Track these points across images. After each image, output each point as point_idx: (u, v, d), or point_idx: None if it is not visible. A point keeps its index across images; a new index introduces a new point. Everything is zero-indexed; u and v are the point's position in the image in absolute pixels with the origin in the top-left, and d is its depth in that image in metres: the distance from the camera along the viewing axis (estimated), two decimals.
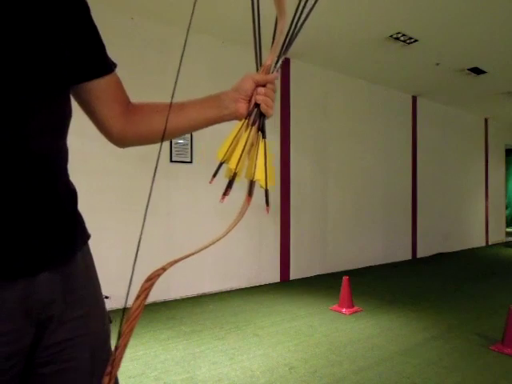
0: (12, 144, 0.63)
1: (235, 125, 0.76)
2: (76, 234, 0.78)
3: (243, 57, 4.68)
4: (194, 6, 0.77)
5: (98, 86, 0.78)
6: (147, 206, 0.71)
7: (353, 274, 5.26)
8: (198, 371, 2.48)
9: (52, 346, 0.72)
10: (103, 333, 0.83)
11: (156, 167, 0.71)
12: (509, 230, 10.94)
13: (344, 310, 3.75)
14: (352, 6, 3.88)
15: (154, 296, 4.00)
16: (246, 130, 0.76)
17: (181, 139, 4.30)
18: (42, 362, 0.72)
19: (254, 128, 0.76)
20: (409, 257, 7.14)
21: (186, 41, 0.80)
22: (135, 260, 0.62)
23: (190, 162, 4.37)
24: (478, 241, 8.99)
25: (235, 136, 0.74)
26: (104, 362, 0.82)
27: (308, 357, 2.73)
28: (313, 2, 0.76)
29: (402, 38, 4.66)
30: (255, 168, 0.73)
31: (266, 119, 0.78)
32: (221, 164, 0.73)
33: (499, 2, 3.81)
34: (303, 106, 5.42)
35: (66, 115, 0.75)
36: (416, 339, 3.09)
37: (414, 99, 7.28)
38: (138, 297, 0.61)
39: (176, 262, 0.64)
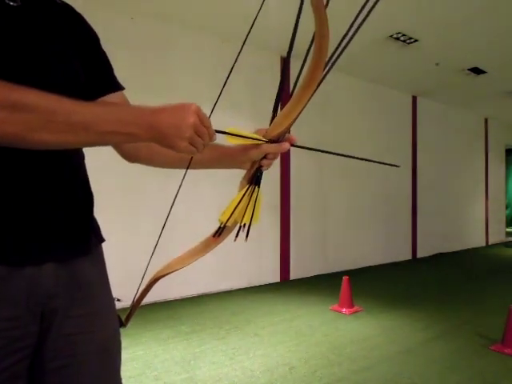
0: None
1: (238, 193, 0.82)
2: (88, 234, 0.83)
3: (243, 56, 4.68)
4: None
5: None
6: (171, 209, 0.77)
7: (353, 273, 5.26)
8: (197, 371, 2.48)
9: (58, 340, 0.74)
10: (112, 334, 0.84)
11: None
12: (509, 229, 10.94)
13: (344, 310, 3.75)
14: (352, 6, 3.88)
15: (154, 296, 4.00)
16: (244, 186, 0.82)
17: None
18: (49, 357, 0.73)
19: (252, 185, 0.82)
20: (409, 257, 7.14)
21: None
22: (149, 260, 0.65)
23: None
24: (478, 241, 8.99)
25: (238, 203, 0.80)
26: (112, 363, 0.83)
27: (308, 357, 2.73)
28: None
29: (402, 38, 4.66)
30: (244, 214, 0.80)
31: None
32: (224, 227, 0.80)
33: (499, 3, 3.81)
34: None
35: None
36: (416, 339, 3.09)
37: (414, 99, 7.28)
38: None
39: (163, 275, 0.79)
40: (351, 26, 0.72)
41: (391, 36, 4.59)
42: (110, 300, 0.86)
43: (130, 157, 0.92)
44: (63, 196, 0.75)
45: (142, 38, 4.08)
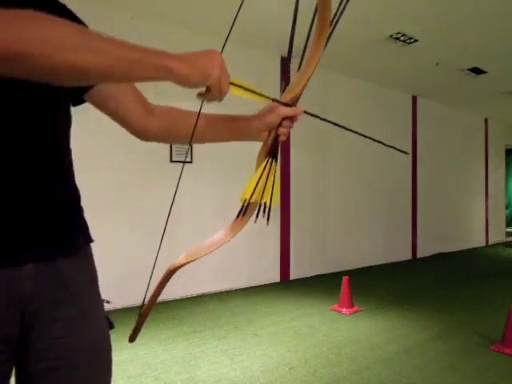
0: (27, 140, 0.70)
1: (259, 166, 0.79)
2: (72, 234, 0.79)
3: (243, 57, 4.69)
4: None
5: (108, 86, 0.83)
6: (170, 209, 0.76)
7: (353, 274, 5.26)
8: (198, 371, 2.48)
9: (44, 343, 0.72)
10: (101, 337, 0.82)
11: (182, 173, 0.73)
12: (509, 229, 10.94)
13: (344, 309, 3.75)
14: (352, 6, 3.88)
15: None
16: (263, 159, 0.80)
17: None
18: (35, 359, 0.72)
19: (270, 158, 0.80)
20: (409, 257, 7.14)
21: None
22: (155, 261, 0.64)
23: (190, 162, 4.37)
24: (478, 241, 8.99)
25: (259, 177, 0.78)
26: (101, 366, 0.81)
27: (308, 357, 2.73)
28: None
29: (402, 38, 4.66)
30: (264, 191, 0.77)
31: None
32: (247, 204, 0.77)
33: (499, 3, 3.80)
34: (303, 106, 5.41)
35: (68, 120, 0.82)
36: (416, 339, 3.09)
37: (414, 99, 7.28)
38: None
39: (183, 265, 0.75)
40: None
41: (391, 36, 4.59)
42: (98, 302, 0.83)
43: (141, 132, 0.89)
44: (43, 194, 0.72)
45: (141, 37, 4.07)
